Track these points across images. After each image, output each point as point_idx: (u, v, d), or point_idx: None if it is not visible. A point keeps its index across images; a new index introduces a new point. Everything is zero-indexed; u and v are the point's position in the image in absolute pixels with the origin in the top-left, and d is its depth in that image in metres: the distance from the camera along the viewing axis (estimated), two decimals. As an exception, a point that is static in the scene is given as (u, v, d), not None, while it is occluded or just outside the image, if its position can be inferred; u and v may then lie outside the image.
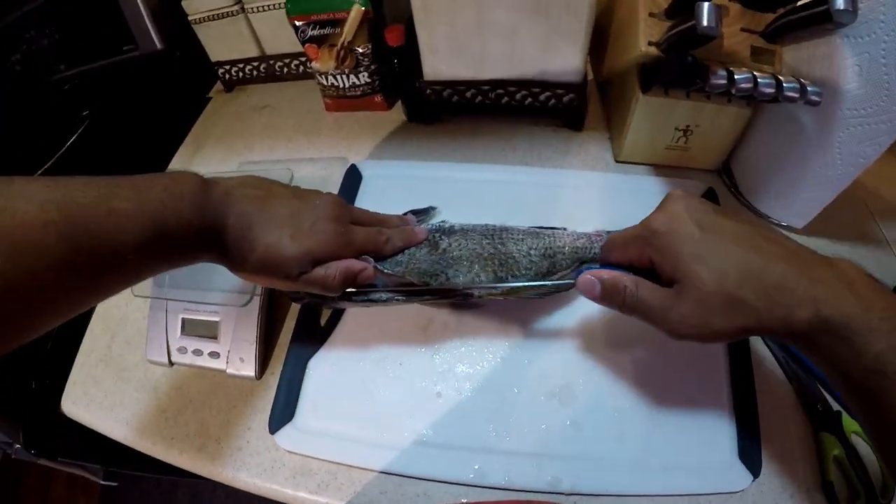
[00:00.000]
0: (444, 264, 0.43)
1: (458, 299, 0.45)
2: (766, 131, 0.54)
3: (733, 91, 0.45)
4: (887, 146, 0.46)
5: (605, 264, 0.39)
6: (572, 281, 0.42)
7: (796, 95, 0.44)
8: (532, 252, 0.44)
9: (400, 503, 0.43)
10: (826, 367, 0.30)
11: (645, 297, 0.34)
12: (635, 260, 0.36)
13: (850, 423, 0.44)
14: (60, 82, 0.64)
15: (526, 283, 0.43)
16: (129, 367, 0.53)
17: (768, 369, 0.48)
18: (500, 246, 0.44)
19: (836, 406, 0.45)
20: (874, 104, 0.43)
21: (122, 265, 0.30)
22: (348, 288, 0.41)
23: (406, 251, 0.44)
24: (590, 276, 0.37)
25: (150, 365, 0.52)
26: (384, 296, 0.43)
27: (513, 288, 0.44)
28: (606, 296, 0.36)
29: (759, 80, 0.44)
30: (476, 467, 0.43)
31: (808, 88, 0.44)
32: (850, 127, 0.45)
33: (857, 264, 0.31)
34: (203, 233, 0.34)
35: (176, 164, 0.70)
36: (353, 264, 0.41)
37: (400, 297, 0.44)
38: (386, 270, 0.43)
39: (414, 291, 0.44)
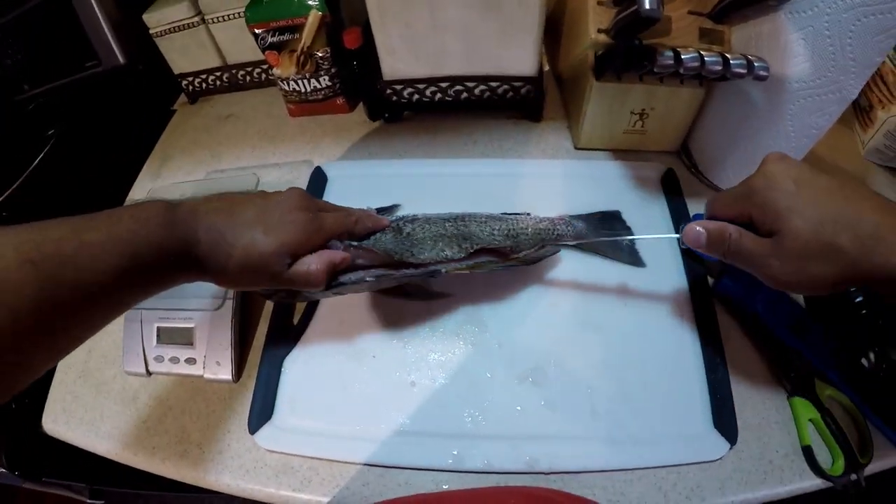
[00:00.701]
0: (409, 244, 0.44)
1: (425, 274, 0.45)
2: (721, 110, 0.55)
3: (681, 70, 0.46)
4: (838, 116, 0.47)
5: (710, 218, 0.41)
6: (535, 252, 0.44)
7: (744, 71, 0.45)
8: (495, 232, 0.45)
9: (383, 494, 0.44)
10: None
11: (748, 245, 0.36)
12: (737, 216, 0.38)
13: (823, 387, 0.45)
14: (24, 102, 0.64)
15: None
16: (108, 381, 0.53)
17: (737, 341, 0.50)
18: (462, 228, 0.45)
19: (807, 371, 0.46)
20: (822, 76, 0.44)
21: (100, 296, 0.30)
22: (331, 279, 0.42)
23: (372, 236, 0.45)
24: (696, 226, 0.39)
25: (129, 377, 0.52)
26: (353, 277, 0.43)
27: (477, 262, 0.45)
28: (712, 243, 0.38)
29: (706, 58, 0.45)
30: (454, 453, 0.44)
31: (755, 64, 0.45)
32: (800, 99, 0.46)
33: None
34: (175, 252, 0.34)
35: (143, 177, 0.70)
36: (333, 255, 0.42)
37: (370, 278, 0.44)
38: (354, 245, 0.43)
39: (382, 272, 0.44)
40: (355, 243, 0.44)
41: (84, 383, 0.53)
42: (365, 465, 0.45)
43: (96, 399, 0.52)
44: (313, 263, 0.40)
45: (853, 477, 0.42)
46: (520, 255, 0.47)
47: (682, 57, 0.46)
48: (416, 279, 0.46)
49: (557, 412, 0.45)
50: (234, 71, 0.72)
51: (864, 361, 0.46)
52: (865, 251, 0.31)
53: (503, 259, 0.47)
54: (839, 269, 0.32)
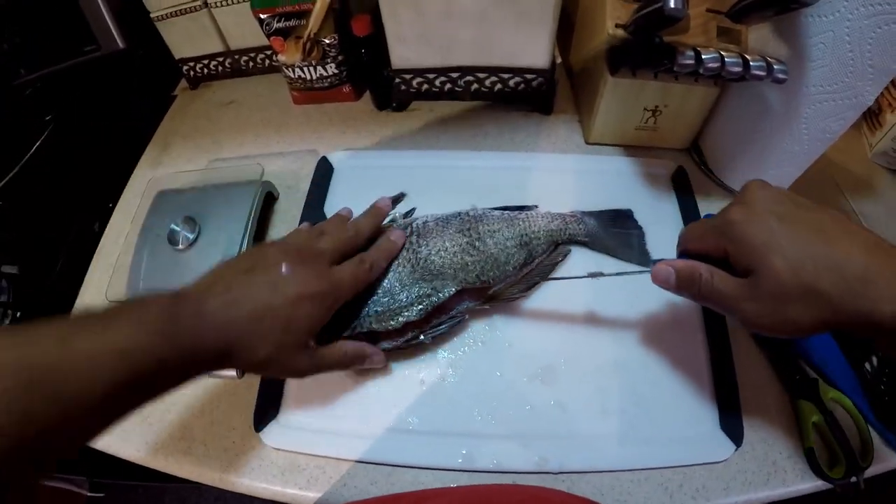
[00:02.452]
0: (430, 278, 0.44)
1: (452, 324, 0.46)
2: (734, 109, 0.55)
3: (701, 70, 0.45)
4: (852, 121, 0.47)
5: (682, 254, 0.40)
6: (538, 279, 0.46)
7: (763, 73, 0.44)
8: (509, 244, 0.45)
9: (390, 493, 0.43)
10: None
11: (720, 287, 0.34)
12: (711, 250, 0.36)
13: (827, 390, 0.46)
14: (21, 87, 0.62)
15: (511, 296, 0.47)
16: (109, 376, 0.52)
17: (744, 343, 0.50)
18: (478, 244, 0.45)
19: (811, 374, 0.47)
20: (839, 81, 0.44)
21: (95, 409, 0.27)
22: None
23: (392, 272, 0.45)
24: (666, 265, 0.37)
25: (130, 372, 0.51)
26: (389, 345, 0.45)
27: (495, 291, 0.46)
28: (682, 285, 0.36)
29: (726, 59, 0.45)
30: (464, 452, 0.44)
31: (775, 66, 0.44)
32: (816, 103, 0.46)
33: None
34: (180, 362, 0.32)
35: (143, 164, 0.68)
36: (365, 349, 0.43)
37: (403, 345, 0.45)
38: (388, 347, 0.45)
39: (414, 336, 0.45)
40: (387, 346, 0.45)
41: (85, 378, 0.52)
42: (373, 463, 0.44)
43: (97, 394, 0.51)
44: (342, 350, 0.42)
45: (853, 479, 0.42)
46: (534, 265, 0.47)
47: (703, 57, 0.45)
48: (443, 329, 0.46)
49: (567, 412, 0.45)
50: (236, 56, 0.70)
51: (866, 366, 0.47)
52: (851, 296, 0.29)
53: (518, 276, 0.47)
54: (820, 313, 0.30)
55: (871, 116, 0.64)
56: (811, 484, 0.44)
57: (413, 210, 0.53)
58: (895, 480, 0.46)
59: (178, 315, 0.32)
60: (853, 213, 0.58)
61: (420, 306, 0.43)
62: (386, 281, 0.44)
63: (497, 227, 0.45)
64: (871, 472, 0.43)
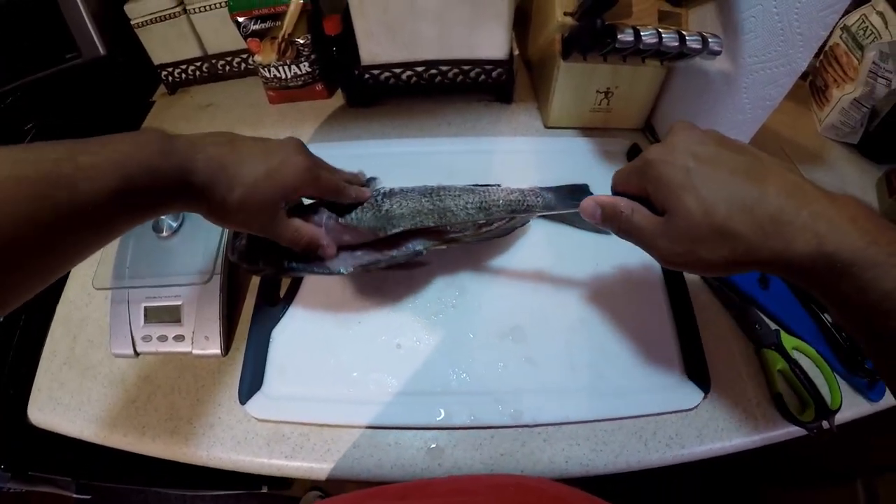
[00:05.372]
0: (387, 221, 0.46)
1: (409, 256, 0.47)
2: (680, 87, 0.59)
3: (641, 46, 0.49)
4: (789, 87, 0.51)
5: (613, 192, 0.40)
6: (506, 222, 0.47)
7: (699, 46, 0.49)
8: (469, 206, 0.47)
9: (373, 455, 0.45)
10: (826, 300, 0.30)
11: (639, 223, 0.35)
12: (634, 190, 0.36)
13: (789, 340, 0.48)
14: (2, 96, 0.64)
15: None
16: (94, 365, 0.52)
17: (705, 298, 0.53)
18: (438, 202, 0.47)
19: (773, 325, 0.50)
20: (772, 50, 0.48)
21: (94, 217, 0.30)
22: (307, 253, 0.44)
23: (353, 212, 0.46)
24: (592, 200, 0.38)
25: (116, 359, 0.52)
26: (341, 265, 0.46)
27: (452, 237, 0.47)
28: (606, 218, 0.38)
29: (663, 35, 0.49)
30: (442, 410, 0.46)
31: (710, 39, 0.48)
32: (753, 73, 0.50)
33: (860, 199, 0.31)
34: (170, 178, 0.34)
35: None
36: (321, 237, 0.44)
37: (356, 267, 0.46)
38: (341, 221, 0.45)
39: (369, 259, 0.46)
40: (341, 220, 0.45)
41: (70, 370, 0.52)
42: (355, 427, 0.46)
43: (83, 384, 0.51)
44: (302, 231, 0.42)
45: (825, 424, 0.44)
46: (492, 227, 0.49)
47: (642, 34, 0.49)
48: (400, 260, 0.47)
49: (538, 367, 0.48)
50: (214, 61, 0.73)
51: (824, 316, 0.49)
52: (763, 236, 0.29)
53: (476, 231, 0.49)
54: (731, 253, 0.30)
55: (818, 93, 0.69)
56: (783, 430, 0.46)
57: (375, 179, 0.55)
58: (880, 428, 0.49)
59: (174, 141, 0.35)
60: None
61: (372, 229, 0.45)
62: (348, 216, 0.46)
63: (458, 193, 0.48)
64: (841, 417, 0.45)
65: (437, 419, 0.45)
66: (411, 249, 0.47)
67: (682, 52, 0.50)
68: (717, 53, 0.49)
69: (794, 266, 0.29)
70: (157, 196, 0.34)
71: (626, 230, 0.36)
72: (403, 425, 0.46)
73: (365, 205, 0.46)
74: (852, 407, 0.47)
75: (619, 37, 0.49)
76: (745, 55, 0.49)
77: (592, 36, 0.52)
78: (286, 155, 0.40)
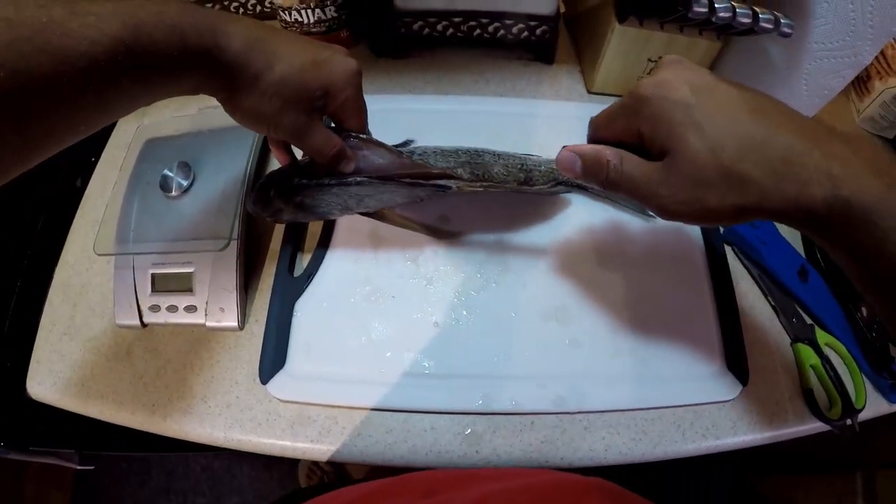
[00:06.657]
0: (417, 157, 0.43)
1: (435, 189, 0.43)
2: (736, 64, 0.56)
3: (714, 19, 0.46)
4: (850, 79, 0.50)
5: (592, 140, 0.36)
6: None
7: (771, 26, 0.46)
8: (509, 166, 0.45)
9: (406, 440, 0.42)
10: (842, 254, 0.27)
11: (631, 172, 0.31)
12: (622, 134, 0.32)
13: (822, 336, 0.47)
14: None
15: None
16: (97, 336, 0.48)
17: (746, 286, 0.51)
18: (476, 158, 0.44)
19: (808, 319, 0.49)
20: (840, 39, 0.46)
21: (89, 76, 0.24)
22: (332, 168, 0.40)
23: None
24: (570, 150, 0.33)
25: (121, 330, 0.48)
26: (360, 179, 0.42)
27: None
28: (588, 172, 0.33)
29: (737, 9, 0.46)
30: (482, 394, 0.43)
31: (782, 20, 0.46)
32: (817, 59, 0.48)
33: (875, 141, 0.28)
34: (191, 39, 0.28)
35: (128, 116, 0.63)
36: (346, 150, 0.40)
37: (376, 181, 0.42)
38: (368, 138, 0.42)
39: (390, 181, 0.42)
40: (371, 137, 0.42)
41: (70, 341, 0.48)
42: (387, 410, 0.43)
43: (84, 357, 0.47)
44: (333, 139, 0.38)
45: (848, 422, 0.44)
46: (532, 188, 0.46)
47: (716, 6, 0.45)
48: (426, 193, 0.43)
49: (582, 350, 0.45)
50: (226, 3, 0.66)
51: (858, 315, 0.48)
52: (776, 179, 0.26)
53: (516, 186, 0.46)
54: (742, 199, 0.27)
55: (860, 83, 0.66)
56: (810, 425, 0.45)
57: (411, 141, 0.51)
58: (886, 425, 0.48)
59: (199, 6, 0.29)
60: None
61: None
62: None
63: (499, 153, 0.45)
64: (863, 416, 0.44)
65: (478, 403, 0.43)
66: (440, 182, 0.43)
67: (751, 29, 0.46)
68: (787, 35, 0.46)
69: (810, 214, 0.26)
70: (173, 61, 0.27)
71: (615, 182, 0.31)
72: (441, 410, 0.43)
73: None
74: (872, 407, 0.46)
75: (693, 7, 0.45)
76: (812, 41, 0.47)
77: (662, 1, 0.48)
78: (335, 52, 0.36)
